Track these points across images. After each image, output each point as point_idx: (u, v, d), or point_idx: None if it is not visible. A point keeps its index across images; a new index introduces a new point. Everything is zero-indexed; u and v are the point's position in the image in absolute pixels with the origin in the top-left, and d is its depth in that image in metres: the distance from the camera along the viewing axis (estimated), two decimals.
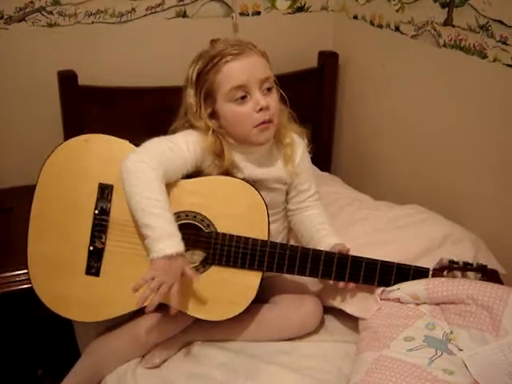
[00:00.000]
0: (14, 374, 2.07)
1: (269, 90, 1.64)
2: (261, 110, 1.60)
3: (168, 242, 1.45)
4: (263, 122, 1.61)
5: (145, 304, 1.47)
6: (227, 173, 1.64)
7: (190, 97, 1.64)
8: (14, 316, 2.03)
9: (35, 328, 2.09)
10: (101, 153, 1.60)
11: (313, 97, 2.57)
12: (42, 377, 2.13)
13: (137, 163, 1.51)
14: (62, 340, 2.01)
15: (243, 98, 1.60)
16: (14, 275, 1.83)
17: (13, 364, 2.07)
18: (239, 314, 1.60)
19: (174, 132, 1.69)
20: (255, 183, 1.65)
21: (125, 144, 1.61)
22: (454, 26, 1.97)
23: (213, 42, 1.68)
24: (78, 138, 1.61)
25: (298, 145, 1.78)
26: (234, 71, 1.59)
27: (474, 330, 1.47)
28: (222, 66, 1.59)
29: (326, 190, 2.19)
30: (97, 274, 1.57)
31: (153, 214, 1.47)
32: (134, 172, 1.50)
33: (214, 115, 1.64)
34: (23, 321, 2.06)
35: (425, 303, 1.59)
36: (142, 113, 2.22)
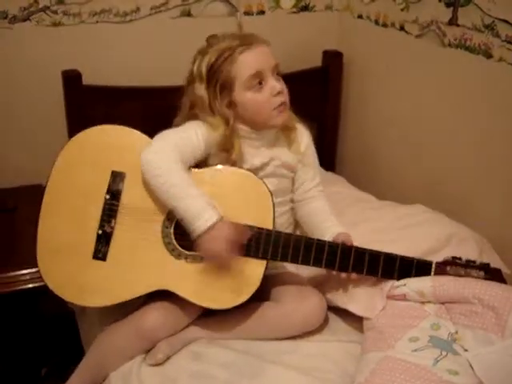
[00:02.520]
0: (19, 373, 2.07)
1: (278, 75, 1.70)
2: (278, 93, 1.66)
3: (201, 218, 1.50)
4: (281, 105, 1.67)
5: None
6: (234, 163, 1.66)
7: (201, 90, 1.66)
8: (18, 315, 2.03)
9: (39, 327, 2.10)
10: (114, 142, 1.64)
11: (317, 96, 2.57)
12: (47, 375, 2.13)
13: (156, 155, 1.56)
14: (65, 338, 2.02)
15: (260, 84, 1.65)
16: (18, 275, 1.83)
17: (17, 363, 2.07)
18: (243, 312, 1.62)
19: (177, 126, 1.71)
20: (263, 170, 1.68)
21: (138, 134, 1.64)
22: (458, 26, 1.97)
23: (210, 38, 1.71)
24: (92, 128, 1.65)
25: (303, 133, 1.82)
26: (250, 60, 1.64)
27: (479, 330, 1.47)
28: (237, 56, 1.64)
29: (330, 189, 2.18)
30: (103, 258, 1.60)
31: (181, 198, 1.52)
32: (156, 164, 1.55)
33: (230, 106, 1.68)
34: (27, 320, 2.06)
35: (430, 302, 1.59)
36: (146, 112, 2.21)
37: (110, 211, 1.60)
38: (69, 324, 1.89)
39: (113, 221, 1.60)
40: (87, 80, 2.17)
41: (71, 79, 2.16)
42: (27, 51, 2.18)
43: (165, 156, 1.55)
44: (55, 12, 2.17)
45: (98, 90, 2.20)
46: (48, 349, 2.14)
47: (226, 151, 1.66)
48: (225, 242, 1.51)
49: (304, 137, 1.81)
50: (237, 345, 1.65)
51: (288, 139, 1.78)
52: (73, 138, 1.65)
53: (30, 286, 1.77)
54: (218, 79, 1.65)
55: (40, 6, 2.15)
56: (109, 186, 1.61)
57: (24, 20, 2.15)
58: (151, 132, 1.62)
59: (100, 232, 1.60)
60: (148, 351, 1.62)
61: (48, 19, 2.17)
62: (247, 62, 1.64)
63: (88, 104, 2.17)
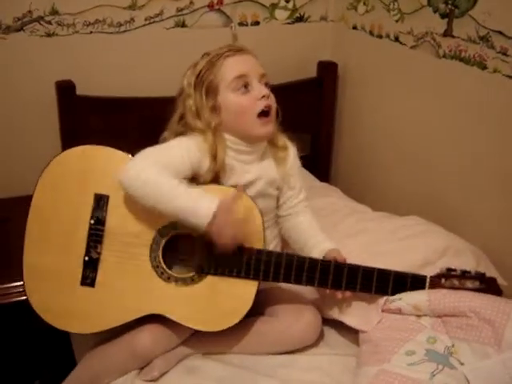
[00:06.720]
0: None
1: (266, 85, 1.69)
2: (263, 97, 1.65)
3: (199, 214, 1.48)
4: (264, 112, 1.66)
5: None
6: (219, 177, 1.64)
7: (190, 99, 1.66)
8: (11, 327, 2.01)
9: (32, 339, 2.08)
10: (96, 164, 1.60)
11: (312, 107, 2.58)
12: None
13: (137, 168, 1.52)
14: (58, 351, 2.00)
15: (246, 87, 1.65)
16: (11, 287, 1.82)
17: (10, 374, 2.06)
18: (238, 327, 1.59)
19: (164, 141, 1.69)
20: (248, 188, 1.65)
21: (121, 155, 1.60)
22: (453, 37, 1.97)
23: (204, 54, 1.71)
24: (74, 148, 1.61)
25: (290, 148, 1.80)
26: (236, 63, 1.66)
27: (475, 343, 1.46)
28: (223, 60, 1.65)
29: (325, 200, 2.19)
30: (92, 284, 1.57)
31: (173, 201, 1.49)
32: (138, 175, 1.51)
33: (215, 110, 1.66)
34: (20, 332, 2.05)
35: (426, 315, 1.58)
36: (140, 123, 2.21)
37: (95, 237, 1.57)
38: (62, 336, 1.87)
39: (99, 246, 1.57)
40: (81, 90, 2.17)
41: (65, 90, 2.16)
42: (21, 62, 2.18)
43: (147, 167, 1.52)
44: (49, 22, 2.17)
45: (91, 101, 2.20)
46: (41, 360, 2.13)
47: (214, 159, 1.63)
48: (230, 218, 1.50)
49: (290, 152, 1.79)
50: (232, 359, 1.64)
51: (276, 157, 1.76)
52: (53, 160, 1.60)
53: (24, 297, 1.75)
54: (203, 84, 1.65)
55: (34, 16, 2.14)
56: (93, 210, 1.57)
57: (18, 30, 2.14)
58: (144, 143, 1.60)
59: (87, 258, 1.57)
60: (142, 367, 1.60)
61: (42, 29, 2.17)
62: (233, 65, 1.65)
63: (82, 114, 2.17)
